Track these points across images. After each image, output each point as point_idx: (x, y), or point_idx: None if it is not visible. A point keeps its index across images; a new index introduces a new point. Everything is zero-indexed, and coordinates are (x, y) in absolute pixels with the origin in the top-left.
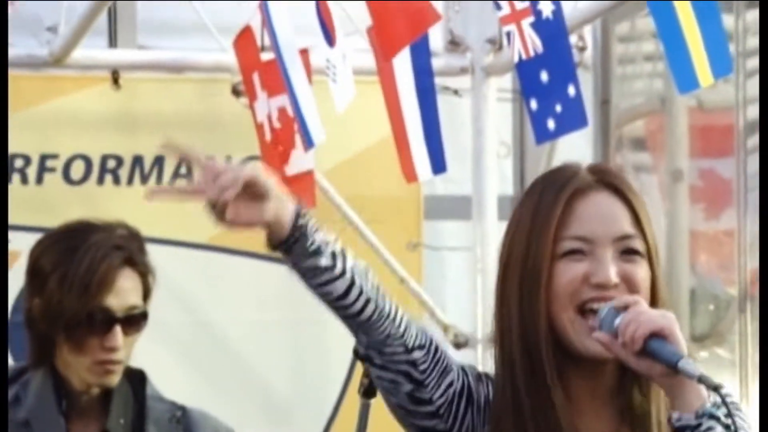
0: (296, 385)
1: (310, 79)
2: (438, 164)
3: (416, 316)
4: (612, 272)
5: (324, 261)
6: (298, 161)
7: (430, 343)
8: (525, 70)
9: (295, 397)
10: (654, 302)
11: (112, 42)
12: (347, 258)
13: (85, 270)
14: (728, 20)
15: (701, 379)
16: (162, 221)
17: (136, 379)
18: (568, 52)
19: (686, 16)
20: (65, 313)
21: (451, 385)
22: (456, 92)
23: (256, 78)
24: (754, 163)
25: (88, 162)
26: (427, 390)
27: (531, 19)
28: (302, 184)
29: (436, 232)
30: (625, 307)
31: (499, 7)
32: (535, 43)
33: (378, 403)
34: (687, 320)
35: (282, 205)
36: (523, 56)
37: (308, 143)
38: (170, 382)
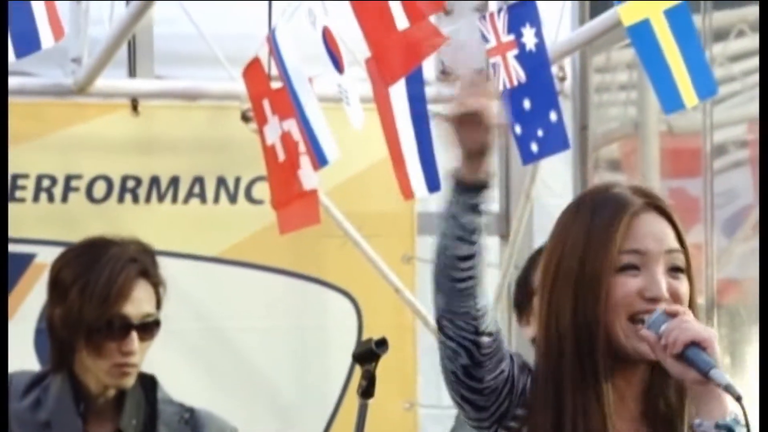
0: (299, 386)
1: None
2: (433, 183)
3: (410, 322)
4: (663, 287)
5: (479, 220)
6: (303, 181)
7: (498, 333)
8: (509, 98)
9: (299, 398)
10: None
11: (132, 72)
12: (484, 237)
13: (105, 281)
14: None
15: (728, 388)
16: (176, 236)
17: (148, 383)
18: (550, 81)
19: (667, 42)
20: (85, 321)
21: (502, 372)
22: (447, 118)
23: (266, 104)
24: (720, 183)
25: (109, 182)
26: (482, 371)
27: (515, 51)
28: (307, 202)
29: (429, 246)
30: (674, 314)
31: (486, 40)
32: (518, 74)
33: (375, 402)
34: None
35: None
36: (507, 85)
37: (321, 161)
38: (182, 386)
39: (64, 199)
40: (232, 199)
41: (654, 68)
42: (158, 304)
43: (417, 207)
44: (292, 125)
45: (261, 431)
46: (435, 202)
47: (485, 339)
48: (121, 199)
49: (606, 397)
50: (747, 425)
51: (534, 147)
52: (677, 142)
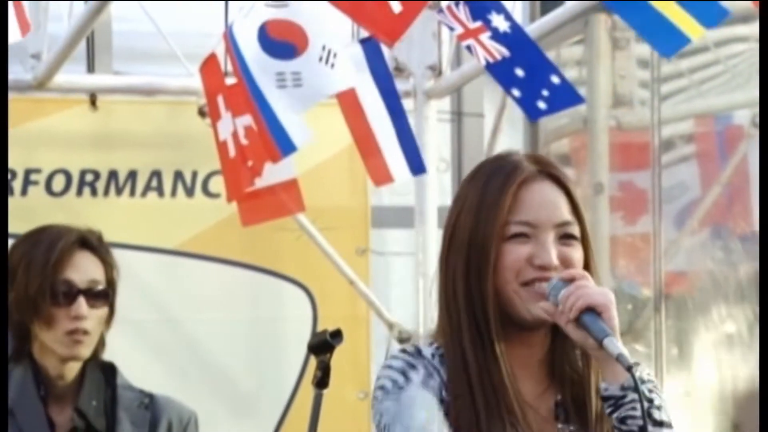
0: (256, 377)
1: None
2: (417, 166)
3: (364, 313)
4: (553, 255)
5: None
6: (276, 172)
7: None
8: (497, 69)
9: (255, 389)
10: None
11: (90, 68)
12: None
13: (44, 250)
14: (644, 48)
15: (619, 358)
16: (135, 229)
17: (108, 370)
18: (539, 55)
19: None
20: (31, 295)
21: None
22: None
23: (220, 100)
24: (667, 176)
25: (68, 176)
26: None
27: (488, 33)
28: (289, 192)
29: (383, 239)
30: (571, 279)
31: (451, 29)
32: (499, 50)
33: (330, 392)
34: None
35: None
36: (490, 60)
37: (287, 149)
38: (141, 376)
39: (24, 192)
40: (189, 192)
41: (637, 18)
42: (110, 283)
43: (371, 201)
44: (245, 122)
45: (218, 421)
46: (388, 196)
47: None
48: (79, 193)
49: (502, 359)
50: (638, 392)
51: (542, 104)
52: (626, 137)
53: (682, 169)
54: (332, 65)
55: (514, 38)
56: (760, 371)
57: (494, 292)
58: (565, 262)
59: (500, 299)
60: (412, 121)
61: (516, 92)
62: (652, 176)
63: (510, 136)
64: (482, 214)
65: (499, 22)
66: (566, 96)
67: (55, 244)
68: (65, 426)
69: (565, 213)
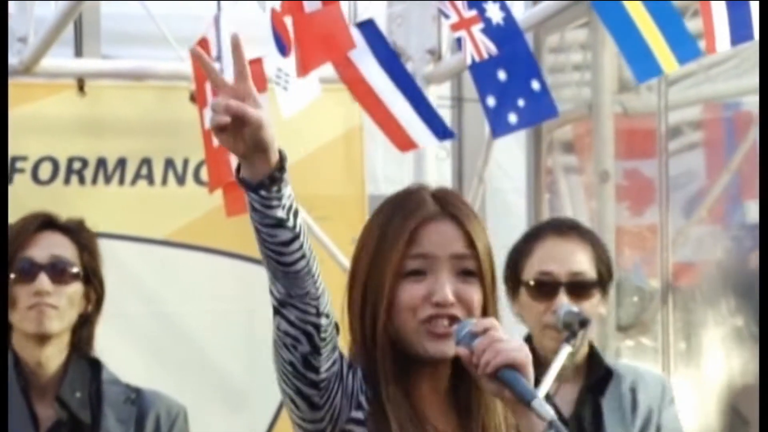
0: (249, 371)
1: (265, 87)
2: (442, 131)
3: None
4: (449, 292)
5: (281, 213)
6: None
7: (332, 317)
8: (480, 70)
9: (248, 383)
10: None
11: (78, 52)
12: (298, 216)
13: (11, 236)
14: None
15: (552, 424)
16: (123, 218)
17: (93, 364)
18: (526, 52)
19: (637, 12)
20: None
21: (335, 363)
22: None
23: (208, 87)
24: (675, 164)
25: (55, 163)
26: (320, 359)
27: (480, 25)
28: None
29: None
30: (483, 331)
31: (446, 16)
32: (488, 46)
33: None
34: (613, 311)
35: (270, 150)
36: (477, 59)
37: None
38: (130, 371)
39: (10, 180)
40: (180, 181)
41: (622, 37)
42: (86, 268)
43: (368, 189)
44: None
45: (210, 416)
46: (385, 185)
47: (324, 320)
48: (67, 181)
49: (391, 395)
50: None
51: (512, 118)
52: (632, 124)
53: (690, 157)
54: (287, 87)
55: (506, 32)
56: (760, 372)
57: (393, 332)
58: (462, 300)
59: (399, 338)
60: None
61: (491, 100)
62: (659, 164)
63: None
64: (380, 252)
65: (494, 12)
66: (542, 107)
67: (17, 225)
68: (49, 420)
69: (461, 246)
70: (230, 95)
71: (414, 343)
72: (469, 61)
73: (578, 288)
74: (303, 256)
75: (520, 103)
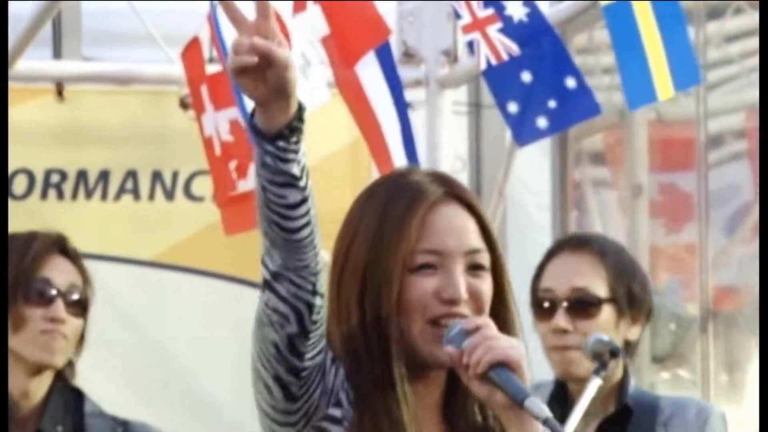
0: (243, 402)
1: None
2: (411, 156)
3: None
4: (462, 288)
5: (296, 169)
6: (237, 182)
7: (325, 300)
8: (497, 75)
9: (243, 415)
10: (500, 315)
11: (57, 53)
12: (308, 177)
13: (18, 250)
14: (689, 32)
15: (547, 422)
16: (107, 237)
17: (75, 395)
18: (558, 47)
19: (647, 23)
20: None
21: (321, 352)
22: (409, 105)
23: (204, 90)
24: (715, 177)
25: (30, 176)
26: (306, 343)
27: (498, 24)
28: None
29: None
30: (475, 329)
31: (458, 16)
32: (508, 47)
33: None
34: (647, 340)
35: (293, 95)
36: (493, 62)
37: None
38: (114, 402)
39: None
40: (169, 195)
41: (626, 55)
42: (85, 301)
43: None
44: (228, 116)
45: None
46: None
47: (318, 300)
48: (44, 196)
49: (405, 405)
50: None
51: (542, 122)
52: (668, 132)
53: (732, 169)
54: (307, 76)
55: (532, 29)
56: (761, 371)
57: (399, 331)
58: (474, 296)
59: (402, 339)
60: (423, 113)
61: (512, 107)
62: (698, 177)
63: None
64: (383, 243)
65: (515, 9)
66: (580, 106)
67: (31, 244)
68: None
69: (475, 240)
70: (253, 33)
71: (419, 346)
72: (483, 66)
73: (579, 305)
74: (309, 223)
75: (551, 104)
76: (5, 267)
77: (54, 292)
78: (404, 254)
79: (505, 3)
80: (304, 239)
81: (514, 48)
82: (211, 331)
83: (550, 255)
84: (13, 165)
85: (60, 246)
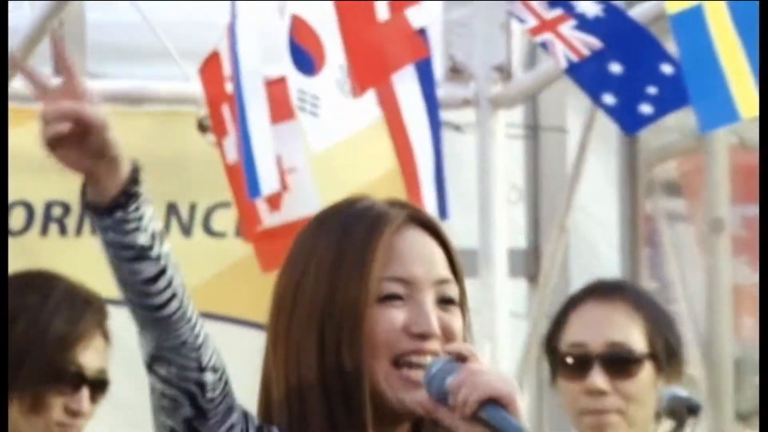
0: None
1: (293, 113)
2: (442, 210)
3: None
4: (434, 321)
5: (143, 239)
6: (297, 205)
7: (223, 371)
8: (583, 70)
9: None
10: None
11: (58, 69)
12: (164, 242)
13: (64, 320)
14: None
15: None
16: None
17: None
18: (646, 36)
19: (723, 35)
20: (26, 366)
21: (233, 427)
22: (458, 128)
23: (225, 111)
24: None
25: (29, 209)
26: (208, 424)
27: (572, 22)
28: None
29: None
30: (461, 359)
31: (521, 20)
32: (588, 42)
33: None
34: (731, 394)
35: (119, 158)
36: (574, 59)
37: (253, 192)
38: None
39: None
40: (186, 231)
41: (697, 67)
42: (107, 382)
43: None
44: None
45: None
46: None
47: (210, 376)
48: (44, 231)
49: None
50: None
51: (646, 108)
52: (751, 158)
53: None
54: (318, 112)
55: (610, 23)
56: (761, 372)
57: (365, 373)
58: (446, 332)
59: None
60: (472, 136)
61: (608, 98)
62: None
63: (601, 157)
64: (342, 272)
65: (588, 6)
66: (680, 93)
67: (77, 317)
68: None
69: (443, 269)
70: (60, 98)
71: (385, 391)
72: (564, 64)
73: (617, 362)
74: (174, 296)
75: (651, 90)
76: (5, 264)
77: (83, 381)
78: (369, 283)
79: (573, 3)
80: (173, 314)
81: (595, 42)
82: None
83: (574, 304)
84: (9, 196)
85: (103, 324)
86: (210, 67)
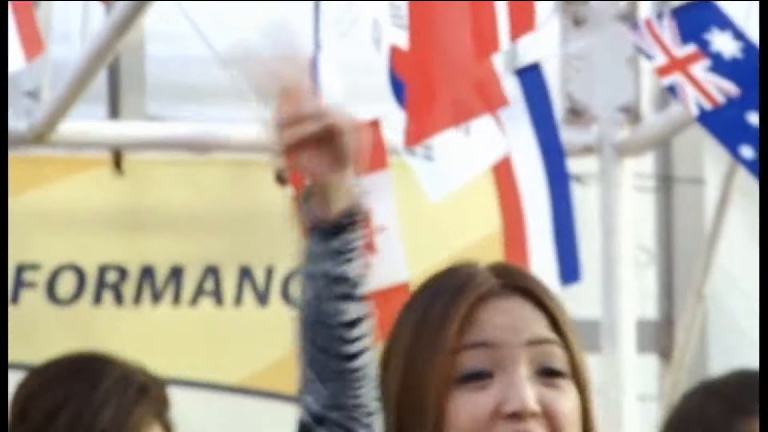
0: None
1: (383, 162)
2: (570, 271)
3: None
4: (529, 395)
5: (355, 272)
6: (384, 271)
7: None
8: (717, 119)
9: None
10: None
11: (114, 111)
12: (366, 282)
13: (114, 413)
14: None
15: None
16: (179, 355)
17: None
18: None
19: None
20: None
21: None
22: (577, 178)
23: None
24: None
25: (80, 274)
26: None
27: (705, 63)
28: (396, 301)
29: None
30: None
31: (649, 57)
32: (723, 87)
33: None
34: None
35: (354, 170)
36: (707, 106)
37: None
38: None
39: (14, 299)
40: (262, 298)
41: None
42: None
43: None
44: None
45: None
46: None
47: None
48: (97, 300)
49: None
50: None
51: None
52: None
53: None
54: (467, 130)
55: (748, 66)
56: (761, 371)
57: None
58: (550, 412)
59: None
60: (595, 189)
61: (747, 151)
62: None
63: (745, 212)
64: (418, 349)
65: (724, 42)
66: None
67: (126, 411)
68: None
69: (542, 328)
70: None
71: None
72: (695, 112)
73: None
74: (366, 349)
75: None
76: (5, 263)
77: None
78: (444, 359)
79: (708, 37)
80: (361, 369)
81: (731, 88)
82: None
83: (740, 413)
84: (56, 259)
85: (163, 415)
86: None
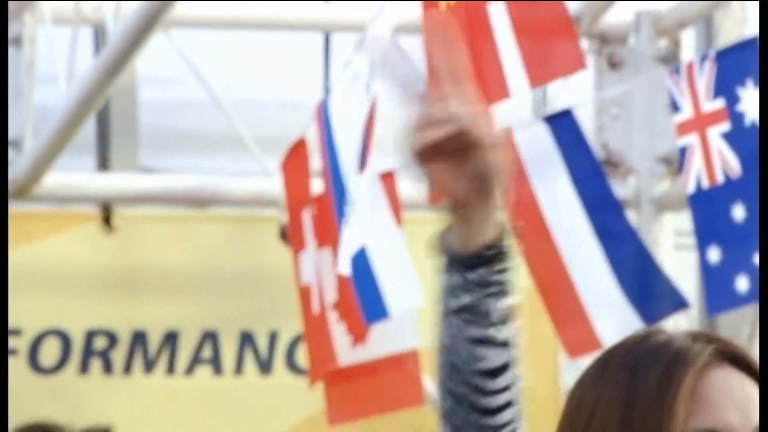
0: None
1: (399, 217)
2: (678, 302)
3: None
4: None
5: (500, 313)
6: (389, 339)
7: None
8: (704, 203)
9: None
10: None
11: (103, 163)
12: (513, 323)
13: None
14: None
15: None
16: (174, 427)
17: None
18: None
19: None
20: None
21: None
22: None
23: (306, 218)
24: None
25: (65, 340)
26: None
27: (725, 126)
28: (403, 371)
29: None
30: None
31: (677, 108)
32: (727, 164)
33: None
34: None
35: (502, 191)
36: (705, 184)
37: (372, 317)
38: None
39: None
40: (265, 367)
41: None
42: None
43: (565, 380)
44: (328, 257)
45: None
46: None
47: None
48: (84, 368)
49: None
50: None
51: (742, 284)
52: None
53: None
54: None
55: (756, 139)
56: (761, 371)
57: None
58: None
59: None
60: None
61: (714, 254)
62: None
63: None
64: (635, 424)
65: (750, 103)
66: None
67: None
68: None
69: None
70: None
71: None
72: (692, 188)
73: None
74: (510, 403)
75: (755, 259)
76: (5, 262)
77: None
78: None
79: (740, 92)
80: (503, 427)
81: (735, 166)
82: None
83: None
84: (39, 324)
85: None
86: (295, 159)
